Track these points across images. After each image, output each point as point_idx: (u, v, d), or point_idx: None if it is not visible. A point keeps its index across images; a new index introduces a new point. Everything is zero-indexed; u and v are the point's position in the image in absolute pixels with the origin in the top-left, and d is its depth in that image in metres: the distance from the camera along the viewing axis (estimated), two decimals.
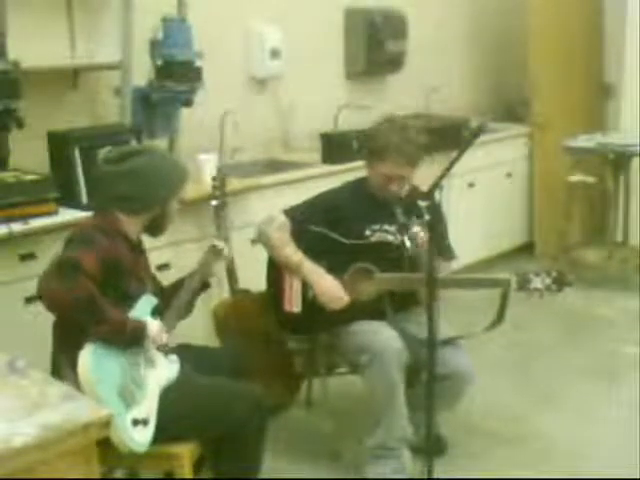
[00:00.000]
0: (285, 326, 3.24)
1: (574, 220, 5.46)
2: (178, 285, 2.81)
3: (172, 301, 2.68)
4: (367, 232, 3.18)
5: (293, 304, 3.15)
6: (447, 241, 3.29)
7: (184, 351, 2.68)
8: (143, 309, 2.54)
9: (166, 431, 2.43)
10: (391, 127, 3.15)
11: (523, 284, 2.98)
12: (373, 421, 3.06)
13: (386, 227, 3.18)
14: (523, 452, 3.37)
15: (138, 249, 2.68)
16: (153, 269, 3.07)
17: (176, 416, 2.46)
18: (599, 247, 5.63)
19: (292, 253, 3.12)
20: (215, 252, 2.88)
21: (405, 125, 3.17)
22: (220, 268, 3.25)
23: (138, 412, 2.38)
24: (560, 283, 2.97)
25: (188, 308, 2.78)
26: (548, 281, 2.95)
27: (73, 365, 2.33)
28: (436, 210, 3.18)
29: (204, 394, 2.55)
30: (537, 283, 2.95)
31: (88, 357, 2.31)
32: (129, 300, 2.50)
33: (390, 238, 3.17)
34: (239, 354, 2.98)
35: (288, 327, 3.24)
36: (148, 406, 2.43)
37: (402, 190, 3.16)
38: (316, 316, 3.14)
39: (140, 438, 2.36)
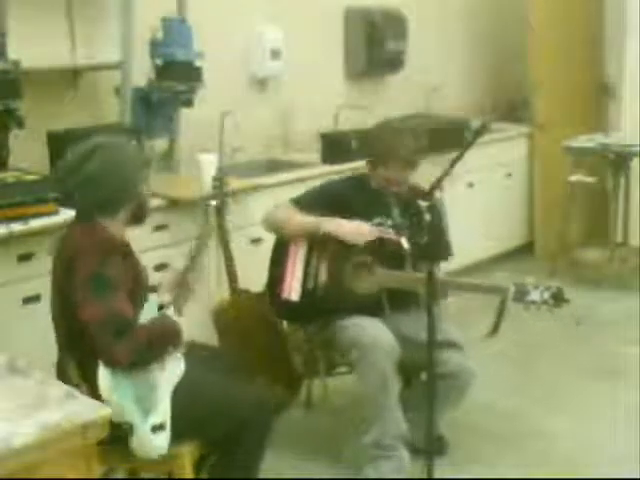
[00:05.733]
0: (280, 313, 3.26)
1: (574, 220, 5.45)
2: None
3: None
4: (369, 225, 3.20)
5: (292, 292, 3.16)
6: (446, 238, 3.31)
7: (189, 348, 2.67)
8: (150, 313, 2.54)
9: (172, 429, 2.43)
10: (389, 132, 3.21)
11: (520, 295, 2.96)
12: (368, 418, 3.07)
13: (389, 222, 3.21)
14: (523, 452, 3.37)
15: (128, 250, 2.59)
16: (152, 269, 3.07)
17: (181, 414, 2.45)
18: (599, 247, 5.63)
19: (305, 217, 3.15)
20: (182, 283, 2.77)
21: (402, 129, 3.23)
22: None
23: (156, 417, 2.39)
24: (558, 299, 2.94)
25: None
26: (546, 295, 2.93)
27: (83, 369, 2.38)
28: (436, 208, 3.20)
29: (210, 393, 2.55)
30: (535, 296, 2.93)
31: (104, 371, 2.34)
32: (137, 310, 2.49)
33: (391, 232, 3.19)
34: (238, 355, 2.98)
35: (282, 314, 3.26)
36: (163, 409, 2.43)
37: (403, 189, 3.21)
38: (312, 306, 3.16)
39: (160, 442, 2.39)
